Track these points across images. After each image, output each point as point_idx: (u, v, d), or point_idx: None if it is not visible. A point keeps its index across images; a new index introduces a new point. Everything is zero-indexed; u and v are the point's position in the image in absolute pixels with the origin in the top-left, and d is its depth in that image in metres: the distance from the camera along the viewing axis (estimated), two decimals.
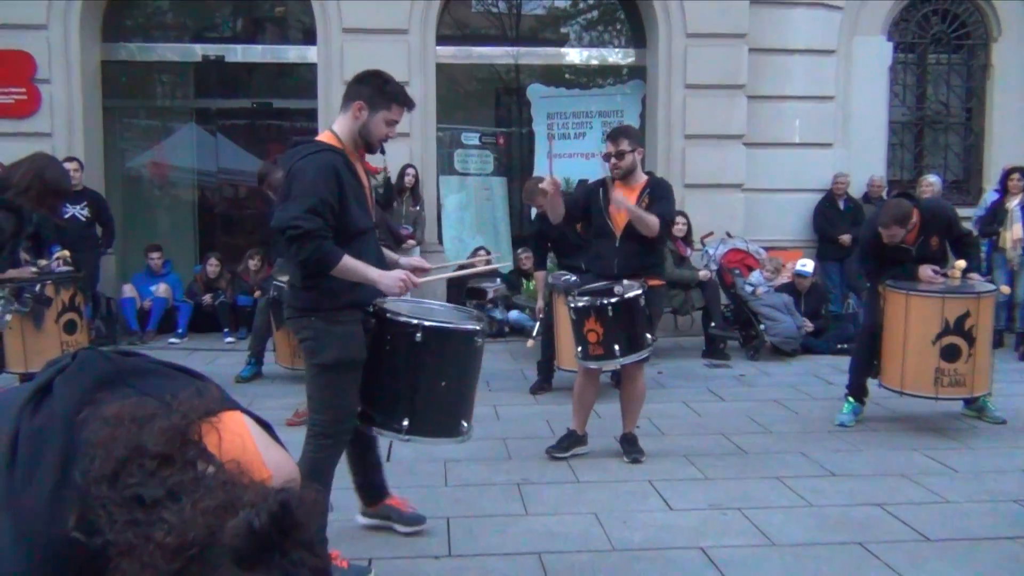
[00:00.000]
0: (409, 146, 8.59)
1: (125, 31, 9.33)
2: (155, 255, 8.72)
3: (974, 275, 5.36)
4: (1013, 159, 8.62)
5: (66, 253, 6.00)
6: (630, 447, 4.72)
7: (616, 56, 9.91)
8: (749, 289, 7.82)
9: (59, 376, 1.18)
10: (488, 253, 8.52)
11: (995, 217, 7.95)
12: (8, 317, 5.19)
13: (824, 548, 3.55)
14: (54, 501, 1.05)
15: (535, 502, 4.07)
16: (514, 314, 8.53)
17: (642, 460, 4.64)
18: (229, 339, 8.42)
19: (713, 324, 7.71)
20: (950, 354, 5.04)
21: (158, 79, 10.37)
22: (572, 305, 4.58)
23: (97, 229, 7.97)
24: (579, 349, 4.60)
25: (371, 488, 3.64)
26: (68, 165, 6.19)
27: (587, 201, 4.76)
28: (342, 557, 3.21)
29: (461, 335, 3.29)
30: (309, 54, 9.00)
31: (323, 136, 3.27)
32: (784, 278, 8.10)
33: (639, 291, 4.43)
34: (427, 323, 3.18)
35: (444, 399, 3.26)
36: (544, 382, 6.40)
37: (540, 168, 9.18)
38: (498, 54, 9.88)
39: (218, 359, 7.53)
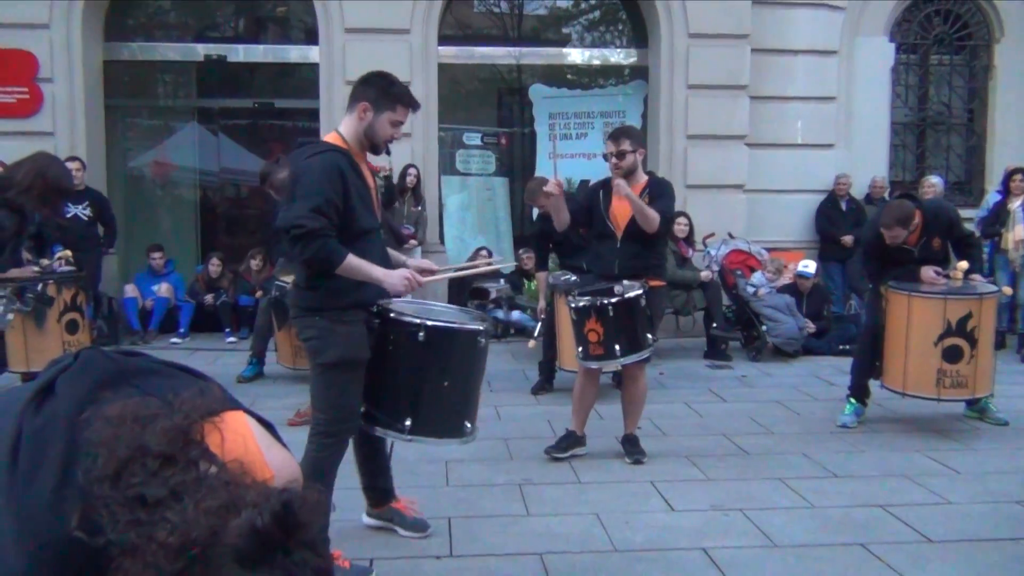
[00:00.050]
0: (411, 146, 8.59)
1: (127, 31, 9.34)
2: (157, 255, 8.72)
3: (976, 276, 5.36)
4: (1015, 160, 8.60)
5: (68, 253, 6.00)
6: (632, 448, 4.73)
7: (618, 56, 9.90)
8: (751, 290, 7.81)
9: (61, 376, 1.18)
10: (489, 254, 8.51)
11: (997, 218, 7.94)
12: (10, 316, 5.18)
13: (826, 549, 3.55)
14: (56, 501, 1.05)
15: (537, 503, 4.07)
16: (516, 314, 8.53)
17: (644, 461, 4.65)
18: (231, 339, 8.42)
19: (715, 325, 7.71)
20: (952, 355, 5.04)
21: (160, 79, 10.38)
22: (573, 305, 4.58)
23: (99, 229, 7.99)
24: (580, 349, 4.60)
25: (377, 491, 3.65)
26: (70, 164, 6.19)
27: (589, 203, 4.77)
28: (344, 557, 3.21)
29: (465, 335, 3.29)
30: (311, 54, 9.00)
31: (329, 137, 3.30)
32: (786, 279, 8.09)
33: (639, 291, 4.43)
34: (430, 323, 3.17)
35: (447, 399, 3.25)
36: (545, 382, 6.40)
37: (542, 168, 9.17)
38: (500, 54, 9.88)
39: (220, 359, 7.53)
